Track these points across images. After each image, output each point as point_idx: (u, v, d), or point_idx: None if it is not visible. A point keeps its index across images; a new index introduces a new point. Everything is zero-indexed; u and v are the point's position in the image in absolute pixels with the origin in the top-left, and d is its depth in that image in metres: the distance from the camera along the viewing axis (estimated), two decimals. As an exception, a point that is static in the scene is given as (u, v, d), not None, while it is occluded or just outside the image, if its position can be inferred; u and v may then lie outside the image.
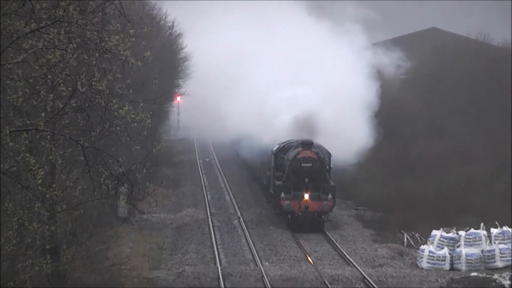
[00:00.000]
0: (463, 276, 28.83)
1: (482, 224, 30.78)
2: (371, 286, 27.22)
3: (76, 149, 17.77)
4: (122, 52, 15.87)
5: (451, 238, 30.60)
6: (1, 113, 15.52)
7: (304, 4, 52.44)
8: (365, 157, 41.66)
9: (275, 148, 38.65)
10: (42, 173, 15.63)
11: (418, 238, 33.81)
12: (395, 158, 45.45)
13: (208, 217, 38.55)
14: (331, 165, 37.53)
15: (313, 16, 50.41)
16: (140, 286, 26.16)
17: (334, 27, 48.09)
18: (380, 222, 37.56)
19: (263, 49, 47.95)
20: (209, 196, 45.09)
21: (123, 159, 18.13)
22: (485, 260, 30.26)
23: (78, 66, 15.99)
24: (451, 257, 30.25)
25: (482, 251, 30.32)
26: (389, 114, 47.19)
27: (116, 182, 17.38)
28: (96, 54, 15.86)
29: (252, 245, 32.88)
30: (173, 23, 53.46)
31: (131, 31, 16.46)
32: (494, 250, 30.19)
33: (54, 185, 17.50)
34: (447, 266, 30.13)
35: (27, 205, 17.08)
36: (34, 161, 15.45)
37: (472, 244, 30.34)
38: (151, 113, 17.87)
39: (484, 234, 30.54)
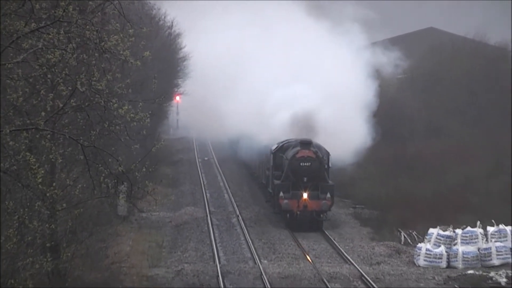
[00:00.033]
0: (460, 273, 28.99)
1: (478, 223, 30.93)
2: (368, 284, 27.36)
3: (76, 148, 17.81)
4: (121, 52, 15.94)
5: (448, 236, 30.78)
6: (1, 112, 15.63)
7: (303, 4, 52.59)
8: (363, 156, 41.79)
9: (274, 148, 38.74)
10: (42, 172, 15.67)
11: (415, 236, 33.99)
12: (393, 157, 45.58)
13: (207, 216, 38.71)
14: (330, 165, 37.63)
15: (312, 16, 50.54)
16: (140, 283, 26.29)
17: (333, 27, 48.21)
18: (378, 221, 37.72)
19: (262, 49, 48.07)
20: (208, 195, 45.26)
21: (123, 158, 18.21)
22: (482, 258, 30.41)
23: (77, 66, 16.06)
24: (448, 255, 30.42)
25: (478, 249, 30.47)
26: (387, 113, 47.32)
27: (115, 181, 17.47)
28: (96, 54, 15.95)
29: (251, 243, 33.05)
30: (172, 23, 53.59)
31: (130, 31, 16.50)
32: (490, 248, 30.35)
33: (54, 184, 17.54)
34: (444, 264, 30.30)
35: (28, 204, 17.17)
36: (34, 160, 15.49)
37: (469, 242, 30.50)
38: (150, 112, 17.93)
39: (480, 232, 30.69)
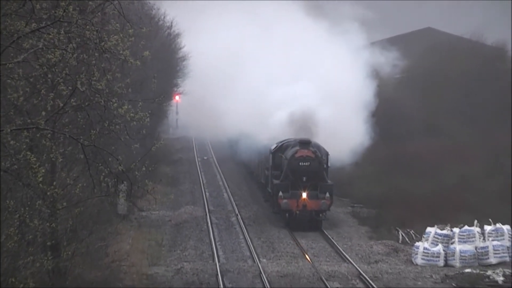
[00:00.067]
0: (457, 272, 29.10)
1: (476, 221, 31.07)
2: (366, 282, 27.47)
3: (76, 148, 17.88)
4: (121, 52, 16.02)
5: (446, 235, 30.91)
6: (2, 111, 15.73)
7: (302, 4, 52.68)
8: (361, 155, 41.91)
9: (273, 147, 38.81)
10: (43, 171, 15.71)
11: (413, 235, 34.13)
12: (391, 157, 45.65)
13: (206, 214, 38.84)
14: (329, 164, 37.72)
15: (311, 15, 50.63)
16: (140, 282, 26.40)
17: (332, 26, 48.31)
18: (376, 219, 37.83)
19: (261, 48, 48.18)
20: (207, 194, 45.39)
21: (123, 157, 18.24)
22: (479, 257, 30.55)
23: (78, 66, 16.14)
24: (445, 254, 30.55)
25: (475, 248, 30.61)
26: (385, 113, 47.39)
27: (115, 180, 17.55)
28: (96, 54, 16.04)
29: (250, 242, 33.18)
30: (171, 23, 53.74)
31: (130, 31, 16.55)
32: (487, 246, 30.50)
33: (54, 183, 17.62)
34: (441, 263, 30.44)
35: (28, 203, 17.18)
36: (35, 159, 15.52)
37: (466, 241, 30.64)
38: (150, 112, 18.00)
39: (478, 231, 30.83)
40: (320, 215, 35.88)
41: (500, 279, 27.98)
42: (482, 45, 58.60)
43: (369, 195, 41.54)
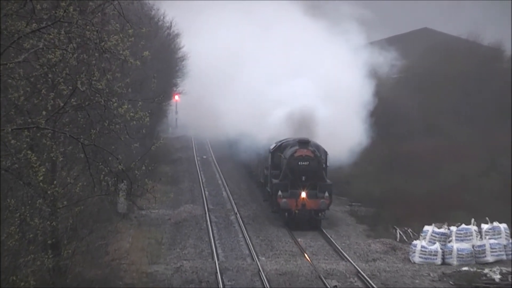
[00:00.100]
0: (455, 270, 29.24)
1: (473, 220, 31.23)
2: (364, 280, 27.60)
3: (77, 147, 17.93)
4: (121, 52, 16.06)
5: (443, 234, 31.05)
6: (3, 111, 15.83)
7: (301, 4, 52.81)
8: (360, 155, 42.04)
9: (272, 147, 38.90)
10: (43, 170, 15.74)
11: (411, 234, 34.29)
12: (389, 156, 45.83)
13: (205, 213, 38.98)
14: (328, 164, 37.82)
15: (310, 15, 50.75)
16: (139, 280, 26.52)
17: (330, 26, 48.42)
18: (374, 218, 37.97)
19: (261, 48, 48.29)
20: (206, 193, 45.52)
21: (123, 156, 18.33)
22: (476, 255, 30.71)
23: (78, 66, 16.19)
24: (443, 252, 30.70)
25: (473, 246, 30.76)
26: (384, 112, 47.55)
27: (115, 179, 17.59)
28: (96, 54, 16.08)
29: (249, 240, 33.32)
30: (171, 23, 53.89)
31: (130, 31, 16.57)
32: (484, 245, 30.66)
33: (55, 182, 17.60)
34: (438, 261, 30.59)
35: (29, 202, 17.18)
36: (35, 158, 15.57)
37: (463, 239, 30.80)
38: (149, 111, 18.08)
39: (475, 230, 30.99)
40: (319, 214, 35.95)
41: (497, 277, 28.14)
42: (478, 46, 58.77)
43: (367, 193, 41.70)
